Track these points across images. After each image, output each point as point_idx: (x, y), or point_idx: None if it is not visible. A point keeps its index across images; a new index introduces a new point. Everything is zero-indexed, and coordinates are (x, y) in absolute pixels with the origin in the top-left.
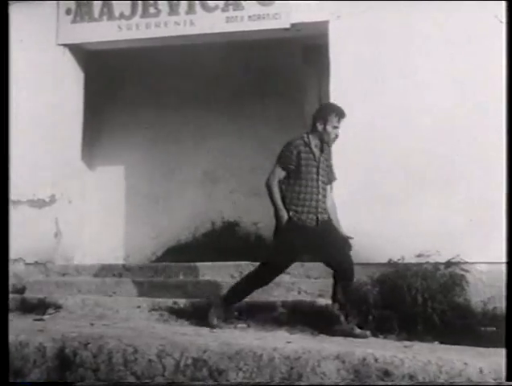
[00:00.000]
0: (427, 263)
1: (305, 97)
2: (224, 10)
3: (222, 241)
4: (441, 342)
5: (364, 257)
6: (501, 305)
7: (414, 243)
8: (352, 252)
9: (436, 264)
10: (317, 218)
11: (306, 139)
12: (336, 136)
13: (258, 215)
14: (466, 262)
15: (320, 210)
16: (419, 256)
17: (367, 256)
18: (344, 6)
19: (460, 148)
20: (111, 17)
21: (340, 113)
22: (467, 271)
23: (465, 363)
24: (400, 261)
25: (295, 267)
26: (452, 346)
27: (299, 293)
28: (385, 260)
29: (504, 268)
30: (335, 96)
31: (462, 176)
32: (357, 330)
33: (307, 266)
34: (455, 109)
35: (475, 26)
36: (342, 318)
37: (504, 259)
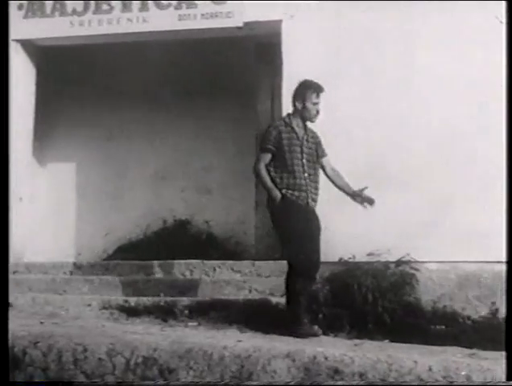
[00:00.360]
0: (378, 262)
1: (258, 96)
2: (177, 7)
3: (173, 239)
4: (391, 341)
5: None
6: (451, 303)
7: (365, 242)
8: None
9: (387, 263)
10: (307, 196)
11: (287, 119)
12: (317, 112)
13: (209, 214)
14: (416, 261)
15: (309, 188)
16: (369, 254)
17: None
18: (297, 5)
19: (412, 149)
20: (63, 13)
21: (317, 89)
22: (417, 270)
23: (415, 361)
24: (351, 260)
25: (246, 265)
26: (402, 345)
27: (250, 291)
28: (336, 259)
29: (504, 267)
30: (288, 96)
31: (413, 176)
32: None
33: (257, 264)
34: (407, 112)
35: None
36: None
37: (505, 258)
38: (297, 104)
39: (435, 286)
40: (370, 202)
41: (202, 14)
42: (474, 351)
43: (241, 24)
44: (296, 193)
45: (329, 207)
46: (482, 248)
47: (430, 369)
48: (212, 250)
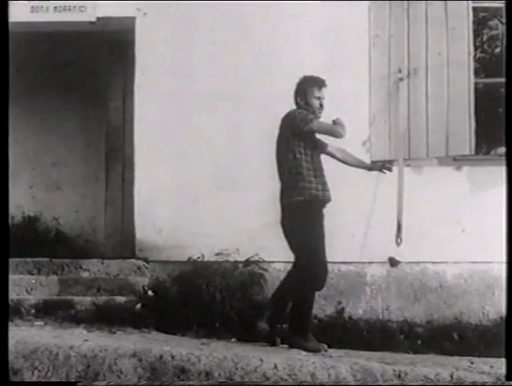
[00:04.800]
0: (227, 261)
1: (110, 93)
2: None
3: (21, 236)
4: (238, 340)
5: (164, 255)
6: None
7: (214, 241)
8: (151, 250)
9: (235, 263)
10: None
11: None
12: (321, 105)
13: (58, 211)
14: (264, 261)
15: None
16: (218, 254)
17: (167, 254)
18: (150, 3)
19: (260, 150)
20: None
21: (318, 83)
22: (265, 270)
23: (261, 360)
24: (200, 259)
25: (95, 264)
26: (249, 344)
27: (99, 290)
28: (185, 259)
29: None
30: (140, 94)
31: (261, 177)
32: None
33: (106, 263)
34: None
35: None
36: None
37: (505, 258)
38: (298, 100)
39: None
40: (389, 168)
41: (55, 7)
42: None
43: (94, 19)
44: None
45: (179, 205)
46: (329, 249)
47: (275, 367)
48: (60, 248)
